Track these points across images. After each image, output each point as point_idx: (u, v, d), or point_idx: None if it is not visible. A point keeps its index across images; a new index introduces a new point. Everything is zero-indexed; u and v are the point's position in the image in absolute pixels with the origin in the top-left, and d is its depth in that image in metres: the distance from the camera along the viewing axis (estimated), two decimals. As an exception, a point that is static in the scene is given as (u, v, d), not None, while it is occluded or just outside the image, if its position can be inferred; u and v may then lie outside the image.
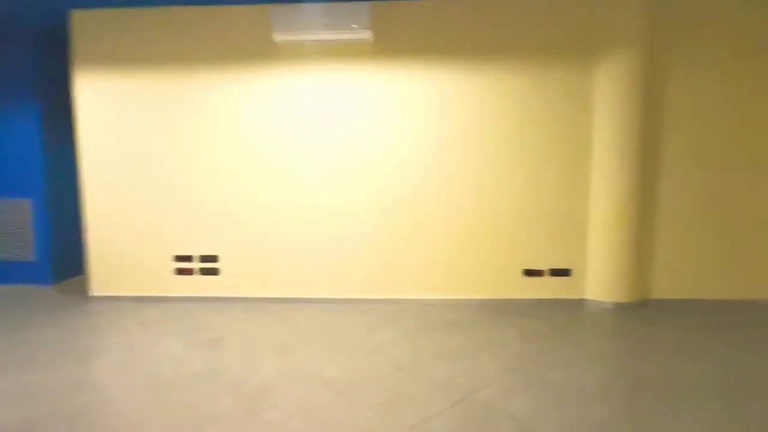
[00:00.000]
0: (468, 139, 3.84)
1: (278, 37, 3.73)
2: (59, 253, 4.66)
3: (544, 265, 3.91)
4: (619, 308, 3.74)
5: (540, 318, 3.51)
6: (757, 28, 3.71)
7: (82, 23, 3.90)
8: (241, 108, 3.92)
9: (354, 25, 3.64)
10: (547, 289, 3.93)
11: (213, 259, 4.05)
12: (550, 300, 3.91)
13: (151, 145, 3.98)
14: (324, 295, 4.02)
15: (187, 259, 4.06)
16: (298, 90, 3.89)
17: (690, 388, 2.37)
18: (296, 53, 3.87)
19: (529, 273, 3.92)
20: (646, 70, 3.63)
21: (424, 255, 3.94)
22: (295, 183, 3.96)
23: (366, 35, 3.70)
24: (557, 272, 3.91)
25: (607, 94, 3.70)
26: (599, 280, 3.84)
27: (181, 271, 4.07)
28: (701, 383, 2.42)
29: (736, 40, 3.72)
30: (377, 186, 3.91)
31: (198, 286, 4.08)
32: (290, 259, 4.01)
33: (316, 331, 3.30)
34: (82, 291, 4.30)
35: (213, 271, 4.06)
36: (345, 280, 4.00)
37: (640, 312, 3.65)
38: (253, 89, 3.90)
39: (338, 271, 3.99)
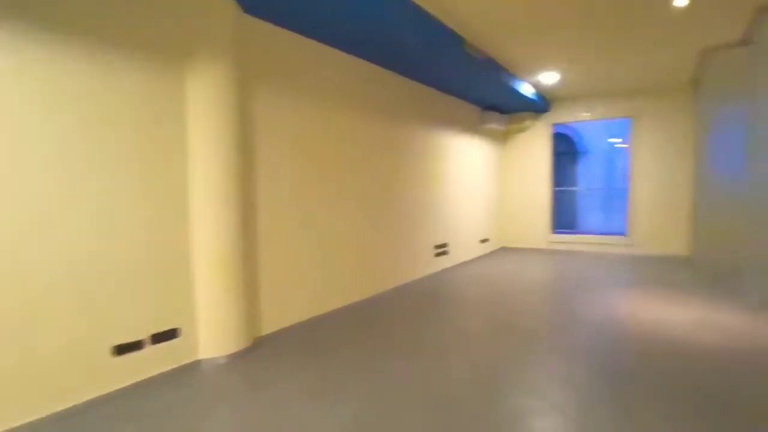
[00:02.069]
0: (-6, 151, 2.18)
1: None
2: None
3: (142, 333, 2.82)
4: (235, 359, 3.22)
5: (152, 415, 2.46)
6: (324, 80, 4.13)
7: None
8: None
9: None
10: (151, 363, 2.86)
11: None
12: (158, 376, 2.87)
13: None
14: None
15: None
16: None
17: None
18: None
19: (123, 349, 2.72)
20: (236, 93, 3.24)
21: None
22: None
23: None
24: (161, 337, 2.92)
25: (201, 119, 3.06)
26: (211, 333, 3.17)
27: None
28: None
29: (307, 86, 4.00)
30: None
31: None
32: None
33: None
34: None
35: None
36: None
37: (257, 356, 3.27)
38: None
39: None
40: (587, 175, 13.65)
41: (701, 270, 5.95)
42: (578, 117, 8.09)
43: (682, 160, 7.15)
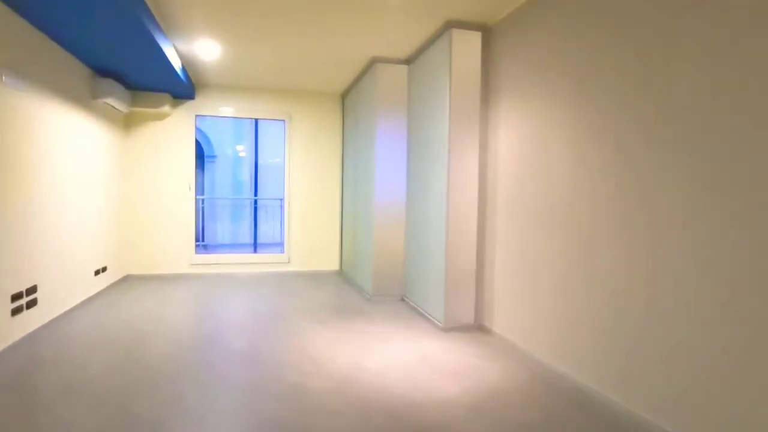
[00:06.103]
0: None
1: None
2: None
3: None
4: None
5: None
6: None
7: None
8: None
9: None
10: None
11: None
12: None
13: None
14: None
15: None
16: None
17: None
18: None
19: None
20: None
21: None
22: None
23: None
24: None
25: None
26: None
27: None
28: None
29: None
30: None
31: None
32: None
33: None
34: None
35: None
36: None
37: None
38: None
39: None
40: (213, 183, 12.48)
41: (356, 286, 5.80)
42: (226, 112, 6.74)
43: (334, 176, 7.05)
